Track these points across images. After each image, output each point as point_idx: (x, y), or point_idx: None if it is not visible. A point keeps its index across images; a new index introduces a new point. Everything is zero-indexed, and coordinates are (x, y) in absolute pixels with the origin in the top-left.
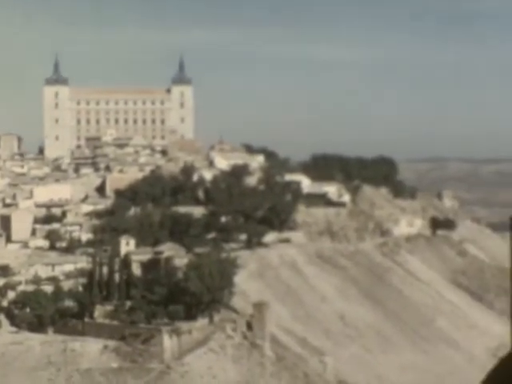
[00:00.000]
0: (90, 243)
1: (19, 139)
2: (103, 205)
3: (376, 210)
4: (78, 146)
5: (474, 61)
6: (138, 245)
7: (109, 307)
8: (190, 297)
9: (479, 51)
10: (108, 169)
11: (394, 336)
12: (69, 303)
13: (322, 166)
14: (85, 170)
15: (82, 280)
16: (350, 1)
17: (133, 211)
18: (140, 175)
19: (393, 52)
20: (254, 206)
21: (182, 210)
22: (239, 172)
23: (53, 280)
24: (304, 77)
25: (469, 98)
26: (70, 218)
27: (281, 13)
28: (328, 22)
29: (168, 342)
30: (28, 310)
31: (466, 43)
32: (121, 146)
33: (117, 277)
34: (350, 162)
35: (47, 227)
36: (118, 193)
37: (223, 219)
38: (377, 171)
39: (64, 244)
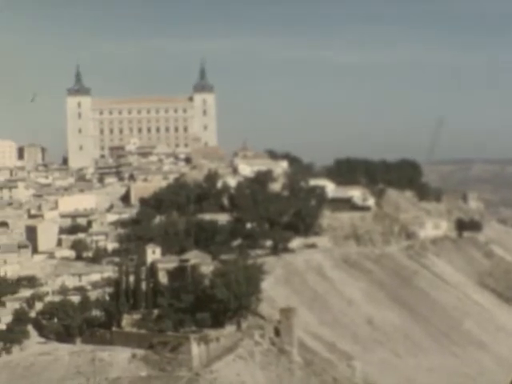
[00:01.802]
0: (115, 252)
1: (43, 150)
2: (128, 214)
3: (401, 213)
4: (102, 156)
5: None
6: (163, 253)
7: (136, 316)
8: (217, 304)
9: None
10: (132, 178)
11: (422, 339)
12: (96, 313)
13: (346, 171)
14: (109, 180)
15: (109, 289)
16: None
17: (158, 219)
18: (164, 183)
19: (414, 53)
20: (279, 212)
21: (207, 217)
22: (263, 178)
23: (80, 290)
24: (327, 81)
25: (493, 98)
26: (95, 227)
27: (301, 19)
28: (350, 26)
29: (196, 350)
30: (56, 320)
31: (488, 43)
32: (144, 154)
33: (143, 285)
34: (374, 165)
35: (73, 237)
36: (143, 201)
37: (248, 226)
38: (401, 174)
39: (90, 254)
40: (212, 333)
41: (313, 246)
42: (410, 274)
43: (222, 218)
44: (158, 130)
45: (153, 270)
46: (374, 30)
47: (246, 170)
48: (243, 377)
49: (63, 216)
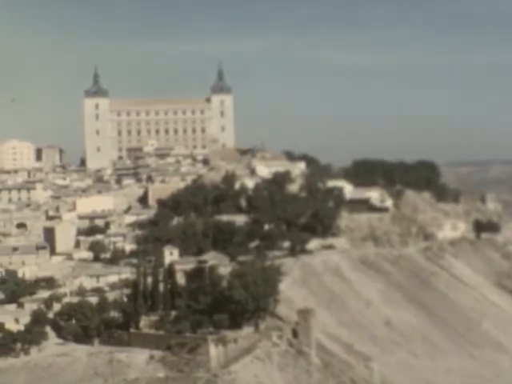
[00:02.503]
0: (133, 254)
1: (61, 151)
2: (146, 215)
3: (419, 214)
4: (120, 157)
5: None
6: (181, 254)
7: (154, 317)
8: (235, 305)
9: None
10: (150, 179)
11: (440, 340)
12: (114, 314)
13: (364, 172)
14: (127, 181)
15: (127, 291)
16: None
17: (176, 221)
18: (182, 185)
19: (428, 54)
20: (297, 213)
21: (225, 218)
22: (281, 179)
23: (98, 291)
24: (343, 82)
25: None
26: (113, 229)
27: (319, 19)
28: (365, 27)
29: (214, 351)
30: (74, 321)
31: (496, 44)
32: (162, 156)
33: (161, 287)
34: (392, 166)
35: (91, 239)
36: (161, 203)
37: (266, 227)
38: (419, 175)
39: (108, 255)
40: (230, 334)
41: (330, 247)
42: (428, 276)
43: (240, 220)
44: (175, 131)
45: (170, 272)
46: (387, 32)
47: (264, 171)
48: (261, 378)
49: (81, 217)
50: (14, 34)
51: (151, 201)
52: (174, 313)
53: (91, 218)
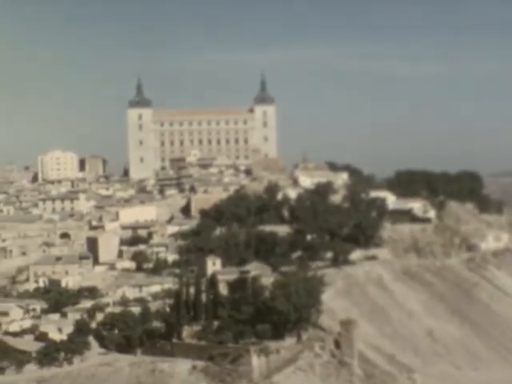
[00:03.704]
0: (176, 264)
1: (104, 162)
2: (188, 225)
3: (462, 225)
4: (163, 168)
5: None
6: (224, 264)
7: (196, 327)
8: (278, 316)
9: None
10: (193, 189)
11: (483, 352)
12: (156, 324)
13: (407, 182)
14: (169, 191)
15: (169, 301)
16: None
17: (218, 231)
18: (224, 195)
19: (465, 63)
20: (339, 224)
21: (267, 228)
22: (323, 190)
23: (140, 301)
24: (386, 92)
25: None
26: (155, 239)
27: (360, 29)
28: (407, 37)
29: (256, 362)
30: (116, 331)
31: None
32: (205, 166)
33: (204, 297)
34: (435, 177)
35: (133, 249)
36: (203, 213)
37: (308, 237)
38: (462, 186)
39: (150, 265)
40: (272, 344)
41: (373, 257)
42: (471, 287)
43: (282, 230)
44: (218, 141)
45: (213, 282)
46: (430, 42)
47: (307, 181)
48: None
49: (124, 227)
50: (56, 45)
51: (194, 211)
52: (216, 323)
53: (134, 228)
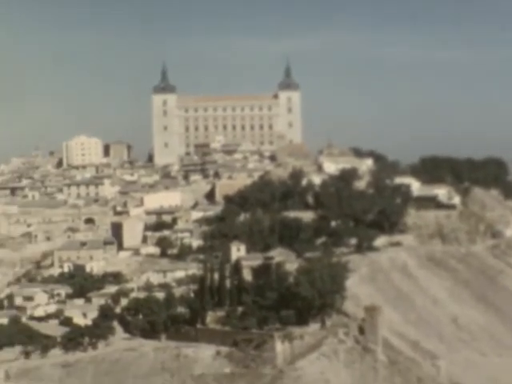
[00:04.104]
0: (200, 249)
1: (129, 147)
2: (213, 211)
3: (487, 211)
4: (187, 153)
5: None
6: (248, 250)
7: (220, 313)
8: (302, 301)
9: None
10: (217, 175)
11: (508, 339)
12: (181, 309)
13: (432, 168)
14: (194, 177)
15: (194, 286)
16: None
17: (242, 217)
18: (249, 181)
19: (500, 51)
20: (364, 210)
21: (292, 214)
22: (348, 176)
23: (164, 287)
24: (413, 78)
25: None
26: (180, 224)
27: (388, 16)
28: (431, 24)
29: (280, 347)
30: (141, 316)
31: None
32: (229, 152)
33: (228, 283)
34: (460, 163)
35: (158, 234)
36: (228, 199)
37: (333, 223)
38: (487, 172)
39: (175, 251)
40: (296, 330)
41: (398, 244)
42: (496, 273)
43: (307, 216)
44: (242, 127)
45: (237, 268)
46: (455, 28)
47: (331, 167)
48: (327, 375)
49: (148, 213)
50: (82, 30)
51: (218, 197)
52: (240, 309)
53: (158, 213)
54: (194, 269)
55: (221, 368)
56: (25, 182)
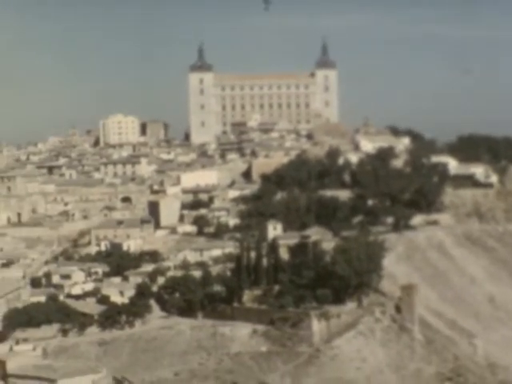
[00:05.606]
0: (237, 228)
1: (165, 126)
2: (249, 190)
3: None
4: (224, 132)
5: None
6: (285, 229)
7: (257, 292)
8: (338, 280)
9: None
10: (254, 154)
11: None
12: (217, 288)
13: (469, 147)
14: (231, 156)
15: (230, 265)
16: None
17: (279, 196)
18: (285, 160)
19: None
20: (401, 189)
21: (328, 193)
22: (385, 155)
23: (201, 265)
24: (448, 56)
25: None
26: (216, 203)
27: None
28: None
29: (317, 326)
30: (177, 294)
31: None
32: (266, 130)
33: (264, 261)
34: (497, 142)
35: (194, 213)
36: (264, 177)
37: (370, 202)
38: None
39: (211, 229)
40: (333, 309)
41: (434, 223)
42: None
43: (343, 195)
44: (279, 106)
45: (274, 246)
46: (489, 5)
47: (368, 146)
48: (363, 353)
49: (185, 192)
50: (120, 7)
51: (255, 175)
52: (276, 287)
53: (195, 192)
54: (230, 247)
55: (257, 346)
56: (62, 160)
